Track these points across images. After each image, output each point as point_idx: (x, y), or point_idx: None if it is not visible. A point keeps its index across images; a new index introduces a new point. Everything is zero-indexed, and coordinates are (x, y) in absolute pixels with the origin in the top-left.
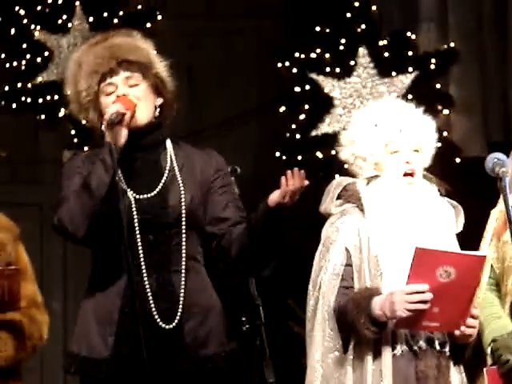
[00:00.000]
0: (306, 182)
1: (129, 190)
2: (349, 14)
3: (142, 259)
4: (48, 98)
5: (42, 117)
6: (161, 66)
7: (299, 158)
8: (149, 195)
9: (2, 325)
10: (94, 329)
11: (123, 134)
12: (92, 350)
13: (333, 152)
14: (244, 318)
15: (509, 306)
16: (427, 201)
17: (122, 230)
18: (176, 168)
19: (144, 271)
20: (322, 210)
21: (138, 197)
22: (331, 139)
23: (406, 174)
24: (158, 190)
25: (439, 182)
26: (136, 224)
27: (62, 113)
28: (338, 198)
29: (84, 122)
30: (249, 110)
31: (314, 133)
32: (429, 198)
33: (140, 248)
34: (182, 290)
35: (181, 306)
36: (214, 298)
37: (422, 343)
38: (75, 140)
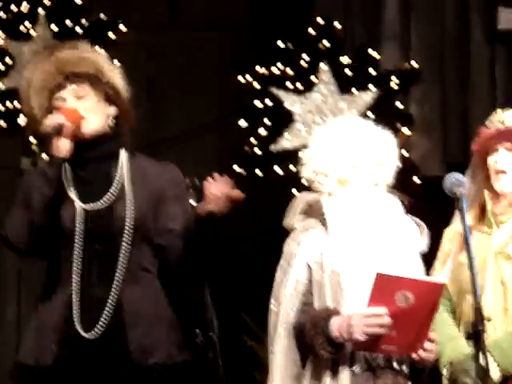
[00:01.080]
0: (239, 194)
1: (77, 200)
2: (311, 30)
3: (85, 269)
4: (8, 104)
5: (2, 123)
6: (113, 75)
7: (258, 172)
8: (97, 205)
9: None
10: (42, 336)
11: (63, 145)
12: (37, 358)
13: (291, 167)
14: (198, 331)
15: (464, 328)
16: (392, 217)
17: (68, 240)
18: (126, 179)
19: (88, 280)
20: (284, 224)
21: (85, 207)
22: (291, 154)
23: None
24: (105, 200)
25: (403, 197)
26: (81, 234)
27: (21, 120)
28: (302, 212)
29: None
30: (209, 123)
31: (273, 147)
32: (393, 215)
33: (84, 258)
34: (116, 300)
35: (105, 314)
36: (164, 308)
37: (380, 361)
38: (33, 147)
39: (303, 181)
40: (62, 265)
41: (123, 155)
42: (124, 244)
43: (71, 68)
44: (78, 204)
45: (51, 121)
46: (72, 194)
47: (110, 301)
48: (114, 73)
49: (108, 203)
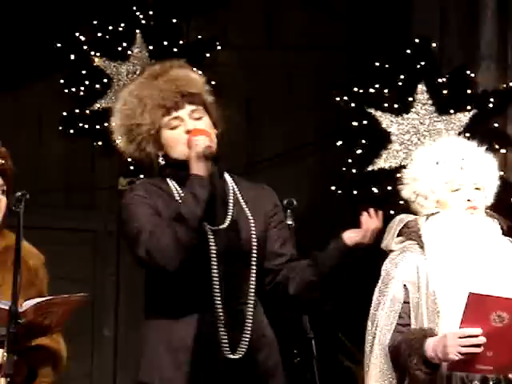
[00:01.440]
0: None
1: (205, 222)
2: (409, 50)
3: (216, 290)
4: (105, 124)
5: (99, 143)
6: (211, 99)
7: (355, 192)
8: (222, 227)
9: (42, 350)
10: (167, 359)
11: (208, 166)
12: (166, 381)
13: (388, 187)
14: (295, 351)
15: None
16: (489, 238)
17: (202, 261)
18: (241, 201)
19: (218, 301)
20: (383, 247)
21: (214, 228)
22: (387, 175)
23: (469, 208)
24: (229, 222)
25: (503, 220)
26: (214, 255)
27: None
28: (400, 234)
29: (130, 153)
30: (306, 144)
31: (370, 168)
32: (491, 236)
33: (215, 279)
34: (250, 322)
35: (248, 338)
36: (271, 329)
37: (476, 382)
38: (131, 167)
39: (401, 201)
40: (185, 285)
41: (228, 177)
42: (252, 266)
43: (187, 87)
44: (207, 225)
45: (203, 143)
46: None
47: (247, 322)
48: (211, 96)
49: (232, 224)
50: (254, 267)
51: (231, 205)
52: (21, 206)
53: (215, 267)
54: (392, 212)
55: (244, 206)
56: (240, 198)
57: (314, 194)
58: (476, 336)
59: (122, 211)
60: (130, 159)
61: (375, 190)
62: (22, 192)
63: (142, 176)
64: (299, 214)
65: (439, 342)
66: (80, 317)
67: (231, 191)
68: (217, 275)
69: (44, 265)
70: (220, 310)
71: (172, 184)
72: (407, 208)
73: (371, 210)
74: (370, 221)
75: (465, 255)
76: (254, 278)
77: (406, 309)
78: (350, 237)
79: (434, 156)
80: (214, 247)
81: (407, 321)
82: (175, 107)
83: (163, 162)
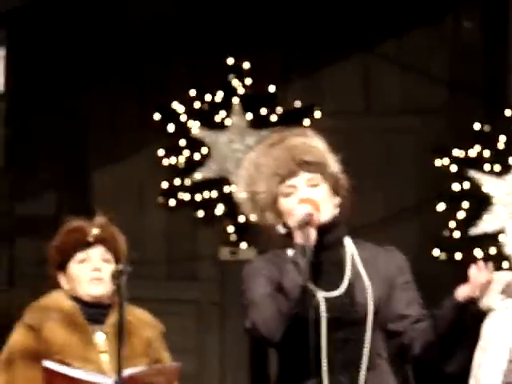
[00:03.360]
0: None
1: (316, 288)
2: (508, 112)
3: (329, 357)
4: (206, 194)
5: (200, 213)
6: (334, 164)
7: (458, 256)
8: (337, 293)
9: None
10: None
11: (313, 234)
12: None
13: (492, 250)
14: None
15: None
16: None
17: (313, 328)
18: (359, 264)
19: (333, 369)
20: (483, 305)
21: (326, 295)
22: (490, 237)
23: None
24: (345, 287)
25: None
26: (324, 322)
27: (219, 209)
28: (501, 292)
29: (256, 221)
30: (407, 208)
31: (473, 231)
32: None
33: (327, 346)
34: None
35: None
36: None
37: None
38: (232, 237)
39: (504, 264)
40: (297, 355)
41: (349, 242)
42: (368, 331)
43: (303, 156)
44: (319, 293)
45: (303, 210)
46: (309, 283)
47: None
48: (335, 162)
49: (347, 290)
50: (369, 332)
51: (348, 270)
52: (122, 278)
53: (324, 334)
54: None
55: (362, 270)
56: (359, 262)
57: (418, 259)
58: None
59: (240, 282)
60: (231, 229)
61: (478, 253)
62: (124, 265)
63: (244, 245)
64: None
65: None
66: None
67: (349, 256)
68: (330, 342)
69: (161, 334)
70: (331, 379)
71: (290, 254)
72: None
73: (480, 263)
74: (479, 274)
75: None
76: (368, 343)
77: (511, 367)
78: (461, 292)
79: None
80: (326, 314)
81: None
82: (290, 175)
83: (282, 231)
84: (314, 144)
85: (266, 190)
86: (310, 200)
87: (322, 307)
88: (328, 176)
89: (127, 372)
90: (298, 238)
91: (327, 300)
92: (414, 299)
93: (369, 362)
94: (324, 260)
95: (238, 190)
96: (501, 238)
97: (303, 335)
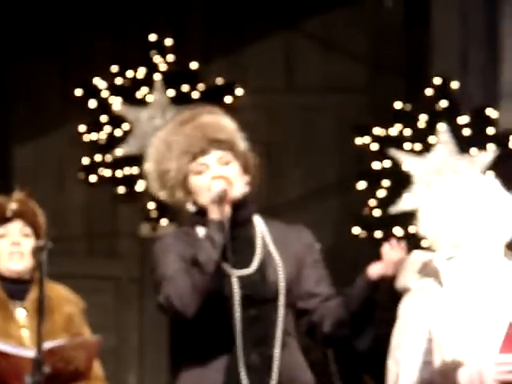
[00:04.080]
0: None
1: (229, 266)
2: (429, 91)
3: (242, 334)
4: (127, 170)
5: (121, 190)
6: (243, 143)
7: (378, 234)
8: (248, 271)
9: None
10: None
11: (227, 210)
12: None
13: (411, 229)
14: None
15: None
16: (507, 280)
17: (223, 305)
18: (270, 243)
19: (245, 346)
20: (399, 285)
21: (238, 273)
22: (410, 216)
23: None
24: (256, 265)
25: None
26: (237, 299)
27: (140, 186)
28: (417, 272)
29: (164, 199)
30: (328, 186)
31: (393, 209)
32: (509, 277)
33: (241, 323)
34: (276, 366)
35: (274, 381)
36: (309, 373)
37: None
38: (153, 214)
39: (423, 242)
40: (211, 330)
41: (258, 220)
42: (279, 308)
43: (215, 134)
44: (231, 270)
45: (218, 186)
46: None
47: (272, 367)
48: (243, 140)
49: (259, 268)
50: (282, 310)
51: (259, 248)
52: (43, 255)
53: (239, 311)
54: (415, 251)
55: (273, 249)
56: (269, 240)
57: (337, 237)
58: None
59: (151, 260)
60: (151, 205)
61: (398, 231)
62: (44, 241)
63: (164, 221)
64: (323, 257)
65: (475, 370)
66: (104, 365)
67: (259, 234)
68: (241, 319)
69: (82, 311)
70: (243, 355)
71: (200, 231)
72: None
73: (393, 241)
74: (392, 252)
75: (483, 294)
76: (281, 321)
77: (429, 346)
78: (374, 270)
79: (450, 196)
80: (237, 291)
81: (430, 358)
82: (201, 153)
83: (193, 209)
84: (225, 122)
85: (177, 168)
86: (224, 176)
87: (235, 284)
88: (238, 154)
89: (47, 345)
90: (214, 213)
91: (239, 278)
92: (324, 277)
93: (278, 340)
94: (236, 238)
95: (147, 168)
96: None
97: (217, 311)
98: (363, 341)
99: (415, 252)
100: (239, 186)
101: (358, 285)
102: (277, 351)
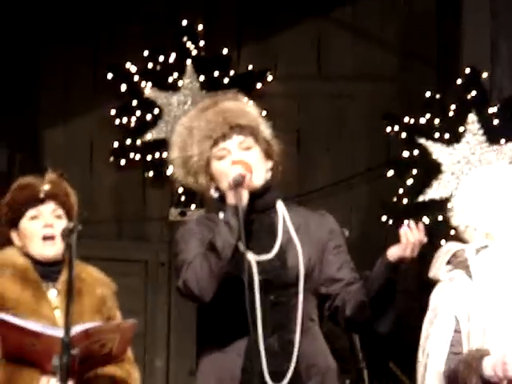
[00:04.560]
0: (425, 239)
1: (248, 251)
2: (459, 80)
3: (261, 319)
4: (157, 155)
5: (150, 174)
6: (267, 129)
7: (406, 222)
8: (268, 256)
9: (107, 380)
10: None
11: (245, 195)
12: None
13: (439, 218)
14: (348, 381)
15: None
16: None
17: (244, 290)
18: (291, 229)
19: (264, 331)
20: (431, 276)
21: (257, 258)
22: (438, 205)
23: None
24: (276, 250)
25: None
26: (257, 284)
27: (170, 170)
28: (448, 263)
29: (189, 185)
30: (357, 174)
31: (421, 198)
32: None
33: (260, 308)
34: (296, 351)
35: (292, 366)
36: (331, 358)
37: None
38: (182, 198)
39: (452, 231)
40: (231, 315)
41: (281, 206)
42: (299, 294)
43: (237, 119)
44: (250, 255)
45: (235, 171)
46: (241, 244)
47: (293, 352)
48: (267, 127)
49: (279, 253)
50: (301, 295)
51: (280, 234)
52: (73, 237)
53: (258, 296)
54: (443, 242)
55: (294, 235)
56: (290, 226)
57: (366, 224)
58: None
59: (174, 245)
60: (180, 190)
61: (426, 220)
62: (74, 223)
63: (193, 206)
64: (350, 244)
65: (498, 359)
66: (132, 348)
67: (281, 220)
68: (261, 304)
69: (114, 293)
70: (263, 340)
71: (221, 217)
72: (455, 237)
73: (411, 222)
74: (410, 233)
75: None
76: (301, 307)
77: (458, 337)
78: (392, 252)
79: (483, 186)
80: (256, 276)
81: (460, 350)
82: (222, 138)
83: (216, 194)
84: (247, 108)
85: (199, 154)
86: (243, 162)
87: (254, 269)
88: (260, 140)
89: (83, 327)
90: (231, 198)
91: (258, 263)
92: (346, 263)
93: (298, 325)
94: (256, 224)
95: (171, 155)
96: (449, 205)
97: (237, 296)
98: (384, 324)
99: (448, 243)
100: (260, 172)
101: (377, 267)
102: (296, 336)
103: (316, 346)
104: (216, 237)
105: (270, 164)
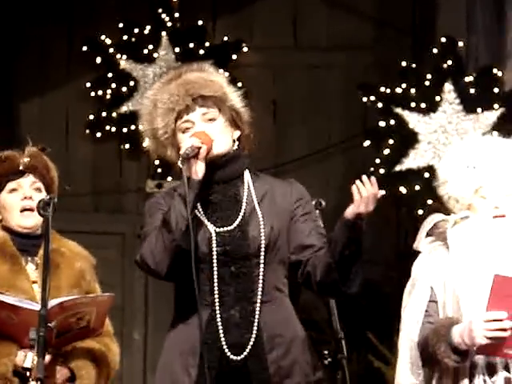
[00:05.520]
0: (382, 192)
1: (209, 223)
2: (435, 50)
3: (222, 290)
4: (132, 127)
5: (126, 146)
6: (235, 98)
7: (383, 192)
8: (229, 228)
9: (85, 353)
10: (178, 363)
11: (200, 167)
12: (175, 382)
13: (416, 187)
14: (326, 352)
15: None
16: None
17: (205, 262)
18: (255, 199)
19: (226, 302)
20: (414, 247)
21: (218, 230)
22: (415, 174)
23: (496, 217)
24: (237, 222)
25: None
26: (215, 256)
27: (146, 143)
28: (430, 235)
29: (160, 157)
30: (333, 144)
31: (398, 168)
32: None
33: (219, 280)
34: (256, 321)
35: (253, 337)
36: (299, 328)
37: (500, 373)
38: (159, 170)
39: (429, 201)
40: (193, 288)
41: (248, 176)
42: (261, 265)
43: (199, 90)
44: (211, 227)
45: (189, 144)
46: (203, 216)
47: (253, 323)
48: (237, 96)
49: (240, 225)
50: (263, 265)
51: (243, 205)
52: (49, 209)
53: (217, 268)
54: (420, 212)
55: (257, 205)
56: (254, 196)
57: (343, 195)
58: (501, 320)
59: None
60: (157, 162)
61: (403, 189)
62: (50, 196)
63: (169, 178)
64: (328, 214)
65: (465, 327)
66: (110, 321)
67: (246, 190)
68: (222, 276)
69: (94, 267)
70: (224, 311)
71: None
72: (437, 208)
73: (363, 177)
74: (363, 188)
75: (489, 259)
76: (263, 276)
77: (434, 307)
78: (348, 210)
79: (464, 159)
80: (217, 248)
81: (436, 319)
82: (186, 111)
83: (182, 166)
84: (212, 78)
85: (164, 126)
86: (201, 133)
87: (213, 241)
88: (226, 110)
89: (59, 300)
90: (185, 171)
91: (219, 234)
92: (315, 229)
93: (263, 295)
94: (219, 194)
95: (142, 128)
96: (426, 175)
97: (197, 269)
98: (355, 283)
99: (434, 214)
100: (223, 142)
101: (337, 228)
102: (257, 306)
103: (281, 315)
104: (170, 210)
105: (237, 133)
